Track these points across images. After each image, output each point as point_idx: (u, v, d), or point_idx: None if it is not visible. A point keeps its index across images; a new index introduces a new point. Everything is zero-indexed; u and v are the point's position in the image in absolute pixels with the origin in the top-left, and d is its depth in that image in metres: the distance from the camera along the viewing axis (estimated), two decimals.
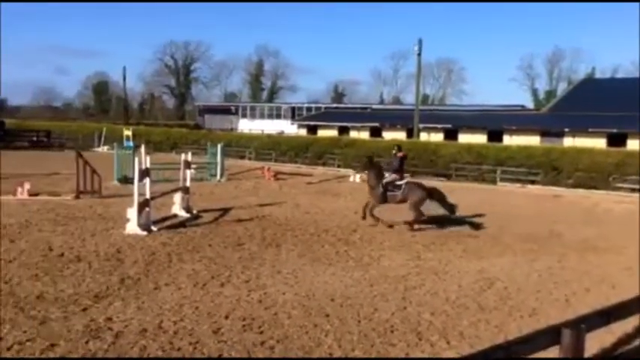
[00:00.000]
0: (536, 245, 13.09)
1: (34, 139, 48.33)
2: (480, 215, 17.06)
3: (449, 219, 15.36)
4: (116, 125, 53.62)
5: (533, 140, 41.76)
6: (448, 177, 32.47)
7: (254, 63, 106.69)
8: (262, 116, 77.59)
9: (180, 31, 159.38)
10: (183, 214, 15.18)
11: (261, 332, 6.88)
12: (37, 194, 17.60)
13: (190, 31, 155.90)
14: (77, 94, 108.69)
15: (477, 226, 15.33)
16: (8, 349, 6.02)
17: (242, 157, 40.42)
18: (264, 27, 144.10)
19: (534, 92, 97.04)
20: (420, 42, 43.35)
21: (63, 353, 5.98)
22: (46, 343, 6.20)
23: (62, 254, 10.39)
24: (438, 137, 48.06)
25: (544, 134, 44.63)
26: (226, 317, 7.33)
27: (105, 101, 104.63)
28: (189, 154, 17.25)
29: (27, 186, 17.56)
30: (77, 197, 17.55)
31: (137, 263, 9.96)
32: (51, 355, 5.94)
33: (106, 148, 42.92)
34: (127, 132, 42.49)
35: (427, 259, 11.35)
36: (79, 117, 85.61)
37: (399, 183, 14.91)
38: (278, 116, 75.85)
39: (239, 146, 42.70)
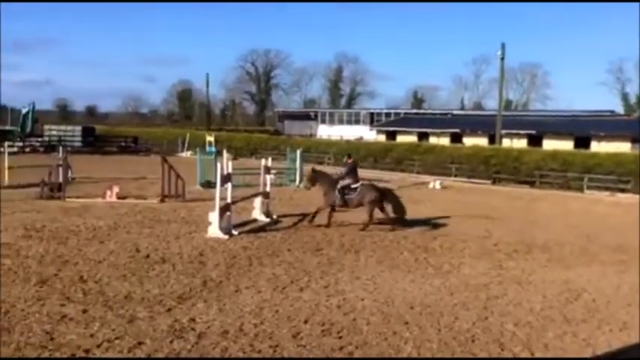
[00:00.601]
0: (627, 256, 12.52)
1: (123, 144, 50.44)
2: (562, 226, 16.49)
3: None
4: (199, 131, 55.16)
5: (624, 147, 40.06)
6: (532, 184, 31.59)
7: (333, 69, 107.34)
8: (341, 122, 77.91)
9: (261, 38, 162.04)
10: (263, 218, 15.43)
11: (340, 337, 6.90)
12: (124, 197, 18.32)
13: (271, 38, 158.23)
14: (163, 101, 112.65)
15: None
16: (98, 346, 6.28)
17: (321, 163, 40.64)
18: (343, 34, 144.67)
19: (625, 97, 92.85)
20: (503, 46, 42.41)
21: (149, 352, 6.19)
22: (134, 341, 6.44)
23: (148, 256, 10.76)
24: (521, 143, 46.85)
25: (635, 140, 42.66)
26: (305, 322, 7.39)
27: (188, 108, 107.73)
28: (269, 160, 17.52)
29: (116, 189, 18.31)
30: (162, 201, 18.15)
31: (219, 266, 10.20)
32: (138, 352, 6.16)
33: (189, 153, 44.21)
34: (210, 138, 43.66)
35: (509, 267, 11.06)
36: (164, 123, 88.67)
37: (354, 186, 15.21)
38: (357, 122, 75.96)
39: (318, 152, 43.06)
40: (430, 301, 8.53)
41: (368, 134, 65.64)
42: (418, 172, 36.38)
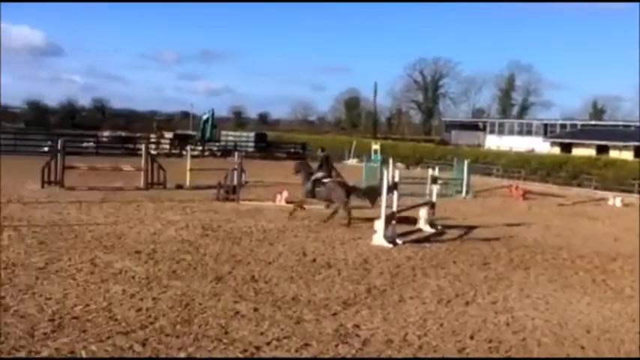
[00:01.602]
0: None
1: (292, 150, 52.40)
2: None
3: None
4: (365, 139, 55.95)
5: None
6: None
7: (505, 78, 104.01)
8: (511, 133, 75.22)
9: (431, 47, 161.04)
10: (428, 229, 15.29)
11: (508, 357, 6.64)
12: (293, 202, 18.99)
13: (441, 47, 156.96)
14: (330, 109, 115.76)
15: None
16: (267, 343, 6.57)
17: (488, 174, 39.53)
18: (516, 41, 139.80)
19: None
20: None
21: (315, 353, 6.36)
22: (301, 342, 6.65)
23: (314, 260, 11.08)
24: None
25: None
26: (471, 337, 7.20)
27: (355, 116, 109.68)
28: (437, 170, 17.32)
29: (285, 194, 19.08)
30: (328, 206, 18.57)
31: (383, 274, 10.25)
32: (305, 353, 6.36)
33: (355, 160, 44.93)
34: (375, 146, 44.05)
35: None
36: (331, 130, 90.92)
37: (324, 180, 15.87)
38: (528, 133, 72.95)
39: (486, 163, 41.88)
40: (609, 327, 7.95)
41: (540, 146, 62.81)
42: (596, 188, 34.13)
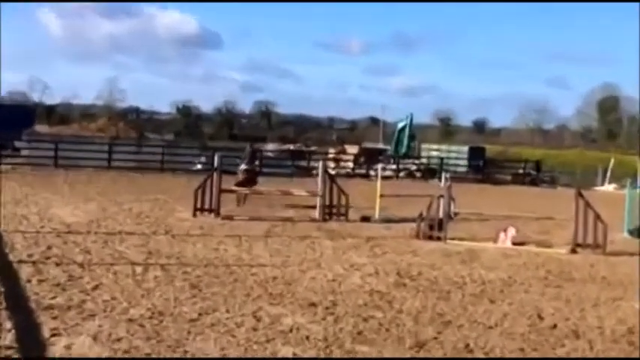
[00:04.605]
0: None
1: (520, 171, 51.28)
2: None
3: None
4: (627, 155, 53.46)
5: None
6: None
7: None
8: None
9: None
10: None
11: None
12: (522, 243, 18.64)
13: None
14: (576, 113, 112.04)
15: None
16: None
17: None
18: None
19: None
20: None
21: None
22: None
23: (555, 326, 10.72)
24: None
25: None
26: None
27: (613, 122, 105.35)
28: None
29: (511, 232, 18.70)
30: (573, 251, 17.98)
31: None
32: None
33: (612, 186, 43.05)
34: None
35: None
36: (576, 143, 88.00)
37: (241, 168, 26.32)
38: None
39: None
40: None
41: None
42: None
